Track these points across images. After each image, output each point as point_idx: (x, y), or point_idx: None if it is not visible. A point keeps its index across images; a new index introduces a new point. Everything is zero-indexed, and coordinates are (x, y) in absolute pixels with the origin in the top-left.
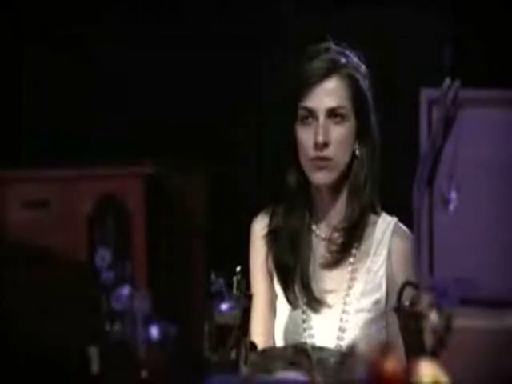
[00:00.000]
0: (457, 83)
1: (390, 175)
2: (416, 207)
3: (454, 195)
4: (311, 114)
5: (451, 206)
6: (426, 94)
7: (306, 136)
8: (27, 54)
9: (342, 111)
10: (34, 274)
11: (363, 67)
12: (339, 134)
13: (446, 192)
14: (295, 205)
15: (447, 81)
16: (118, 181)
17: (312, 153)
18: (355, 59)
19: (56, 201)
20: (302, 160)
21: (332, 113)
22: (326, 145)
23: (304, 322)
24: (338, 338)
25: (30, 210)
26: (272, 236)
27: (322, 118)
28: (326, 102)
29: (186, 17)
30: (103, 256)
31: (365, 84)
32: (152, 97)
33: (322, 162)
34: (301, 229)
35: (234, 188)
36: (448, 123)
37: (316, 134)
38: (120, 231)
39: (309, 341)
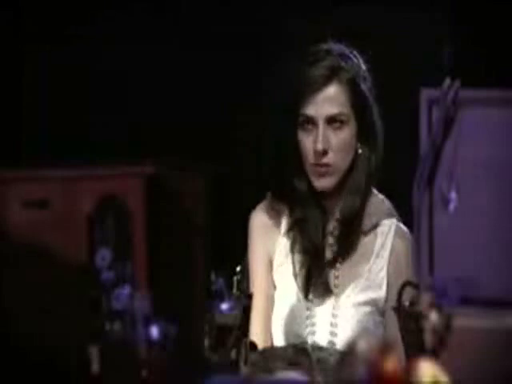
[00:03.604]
0: (457, 83)
1: (390, 175)
2: (416, 207)
3: (453, 195)
4: (311, 121)
5: (451, 206)
6: (425, 93)
7: (307, 142)
8: (27, 54)
9: (341, 117)
10: (33, 274)
11: (363, 68)
12: (339, 139)
13: (446, 192)
14: (306, 204)
15: (447, 81)
16: (118, 181)
17: (312, 159)
18: (355, 60)
19: (56, 201)
20: (305, 163)
21: (332, 120)
22: (325, 152)
23: (307, 309)
24: (333, 326)
25: (29, 210)
26: (295, 228)
27: (321, 125)
28: (325, 109)
29: (186, 17)
30: (103, 256)
31: (365, 86)
32: (152, 97)
33: (322, 169)
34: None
35: (234, 188)
36: (448, 123)
37: (315, 142)
38: (120, 231)
39: (310, 329)
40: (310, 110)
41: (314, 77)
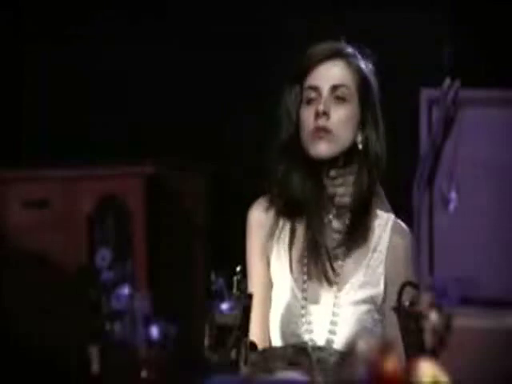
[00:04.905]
0: (457, 83)
1: (390, 175)
2: (416, 207)
3: (453, 195)
4: (316, 91)
5: (451, 206)
6: (425, 93)
7: (308, 113)
8: (27, 54)
9: (345, 91)
10: (34, 274)
11: (371, 66)
12: (341, 112)
13: (446, 192)
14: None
15: (447, 81)
16: (118, 181)
17: (312, 124)
18: (362, 56)
19: (56, 201)
20: (304, 138)
21: (335, 92)
22: (325, 114)
23: (303, 308)
24: (332, 324)
25: (30, 210)
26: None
27: (325, 92)
28: (329, 79)
29: (186, 17)
30: (103, 256)
31: (371, 77)
32: (152, 97)
33: (322, 133)
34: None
35: (233, 188)
36: (448, 123)
37: (317, 105)
38: (120, 231)
39: (306, 327)
40: (315, 81)
41: (320, 50)
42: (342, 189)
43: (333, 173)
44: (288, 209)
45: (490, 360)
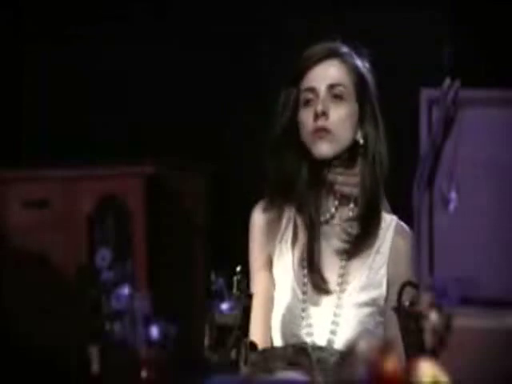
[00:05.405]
0: (457, 83)
1: (390, 175)
2: (416, 207)
3: (453, 195)
4: (313, 92)
5: (451, 206)
6: (426, 93)
7: (307, 115)
8: (27, 54)
9: (342, 89)
10: (34, 274)
11: (367, 65)
12: (340, 111)
13: (446, 192)
14: (304, 197)
15: (447, 81)
16: (118, 181)
17: (312, 125)
18: (358, 56)
19: (56, 201)
20: (304, 139)
21: (333, 91)
22: (324, 114)
23: (303, 310)
24: (333, 324)
25: (30, 210)
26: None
27: (322, 94)
28: (326, 79)
29: (186, 17)
30: (103, 256)
31: (368, 75)
32: (152, 97)
33: (322, 133)
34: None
35: (234, 188)
36: (448, 123)
37: (315, 106)
38: (120, 231)
39: (307, 330)
40: (312, 82)
41: (316, 51)
42: (343, 177)
43: (335, 163)
44: (284, 192)
45: (490, 360)
